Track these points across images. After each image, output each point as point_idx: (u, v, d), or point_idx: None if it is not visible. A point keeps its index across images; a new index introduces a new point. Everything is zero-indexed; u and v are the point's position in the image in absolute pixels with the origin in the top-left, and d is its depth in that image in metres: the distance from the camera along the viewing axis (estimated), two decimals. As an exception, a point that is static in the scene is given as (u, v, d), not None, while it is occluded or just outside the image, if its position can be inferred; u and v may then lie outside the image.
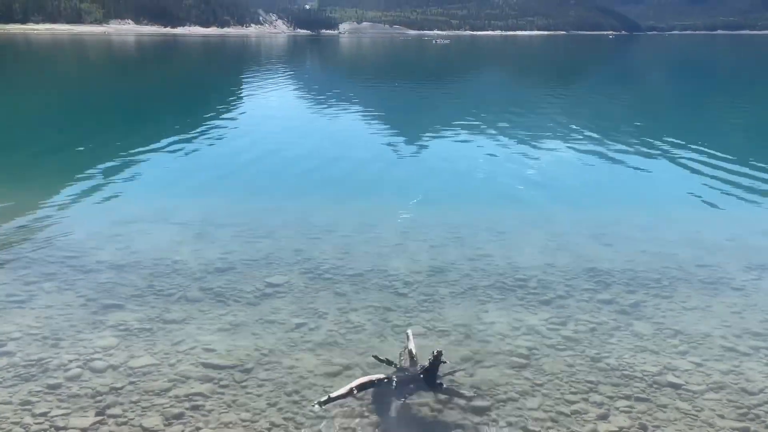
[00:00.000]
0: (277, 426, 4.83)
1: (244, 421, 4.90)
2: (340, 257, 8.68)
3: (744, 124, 21.47)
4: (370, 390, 5.10)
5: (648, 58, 78.10)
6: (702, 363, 5.83)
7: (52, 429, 4.72)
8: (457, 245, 9.28)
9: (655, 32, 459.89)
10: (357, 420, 4.89)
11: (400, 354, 5.68)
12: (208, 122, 20.39)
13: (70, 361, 5.72)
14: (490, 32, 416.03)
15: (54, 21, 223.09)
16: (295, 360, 5.84)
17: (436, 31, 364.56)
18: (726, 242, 9.32)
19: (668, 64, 63.87)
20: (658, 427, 4.83)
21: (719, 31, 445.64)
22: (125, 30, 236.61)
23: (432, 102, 27.82)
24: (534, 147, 16.41)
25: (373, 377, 5.16)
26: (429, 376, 5.22)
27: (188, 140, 17.00)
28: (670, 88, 38.28)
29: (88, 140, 17.55)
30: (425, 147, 16.72)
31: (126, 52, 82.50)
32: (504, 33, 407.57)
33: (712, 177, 13.12)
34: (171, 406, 5.06)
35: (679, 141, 16.78)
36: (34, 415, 4.87)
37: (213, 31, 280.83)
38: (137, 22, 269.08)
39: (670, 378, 5.55)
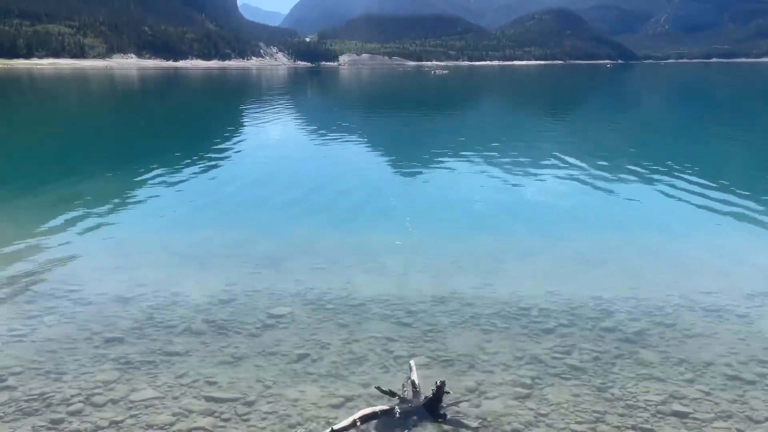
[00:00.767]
0: (281, 460, 4.78)
1: (247, 455, 4.85)
2: (342, 287, 8.68)
3: (742, 151, 21.60)
4: (374, 422, 5.07)
5: (645, 86, 78.96)
6: (708, 391, 5.79)
7: (54, 465, 4.67)
8: (458, 274, 9.28)
9: (651, 61, 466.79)
10: (361, 453, 4.84)
11: (403, 385, 5.65)
12: (210, 153, 20.57)
13: (72, 395, 5.69)
14: (488, 62, 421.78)
15: (57, 56, 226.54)
16: (298, 392, 5.81)
17: (434, 62, 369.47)
18: (728, 269, 9.31)
19: (665, 92, 64.52)
20: (665, 457, 4.78)
21: (714, 60, 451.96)
22: (128, 64, 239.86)
23: (432, 131, 28.05)
24: (534, 175, 16.49)
25: (377, 408, 5.13)
26: (432, 407, 5.19)
27: (190, 171, 17.09)
28: (668, 115, 38.61)
29: (90, 172, 17.67)
30: (426, 176, 16.81)
31: (128, 86, 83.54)
32: (501, 63, 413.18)
33: (712, 204, 13.15)
34: (173, 441, 5.02)
35: (678, 168, 16.87)
36: (35, 451, 4.82)
37: (214, 64, 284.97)
38: (140, 56, 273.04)
39: (676, 407, 5.51)
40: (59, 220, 11.97)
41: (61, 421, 5.26)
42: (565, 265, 9.60)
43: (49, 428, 5.15)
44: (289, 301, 8.16)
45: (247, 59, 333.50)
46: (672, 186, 14.79)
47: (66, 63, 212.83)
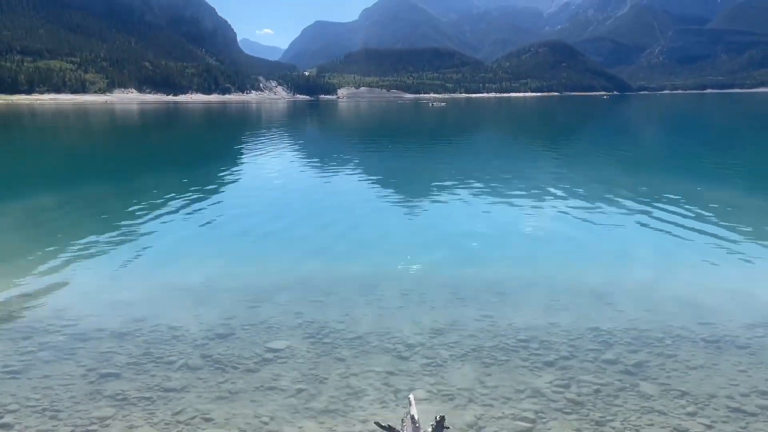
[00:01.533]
0: (278, 498, 4.70)
1: (244, 493, 4.77)
2: (340, 320, 8.64)
3: (738, 181, 21.70)
4: (373, 458, 5.00)
5: (641, 117, 79.81)
6: (710, 424, 5.73)
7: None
8: (458, 306, 9.25)
9: (646, 92, 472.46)
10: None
11: (403, 419, 5.58)
12: (208, 186, 20.66)
13: (68, 433, 5.62)
14: (484, 94, 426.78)
15: (58, 91, 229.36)
16: (297, 428, 5.74)
17: (432, 95, 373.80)
18: (727, 299, 9.28)
19: (660, 123, 65.14)
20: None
21: (709, 90, 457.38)
22: (128, 98, 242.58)
23: (430, 162, 28.23)
24: (532, 206, 16.54)
25: (376, 445, 5.07)
26: (433, 443, 5.12)
27: (188, 204, 17.13)
28: (665, 146, 38.93)
29: (85, 205, 17.70)
30: (424, 207, 16.86)
31: (127, 119, 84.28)
32: (498, 95, 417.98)
33: (710, 234, 13.18)
34: (169, 479, 4.94)
35: (675, 198, 16.94)
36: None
37: (214, 98, 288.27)
38: (140, 90, 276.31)
39: (679, 441, 5.44)
40: (55, 253, 11.95)
41: (55, 459, 5.18)
42: (564, 296, 9.57)
43: (43, 467, 5.07)
44: (286, 334, 8.12)
45: (247, 93, 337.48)
46: (670, 216, 14.83)
47: (67, 98, 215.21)
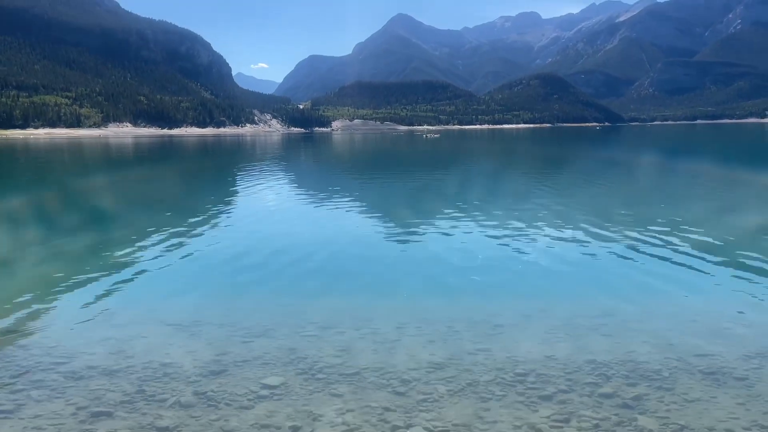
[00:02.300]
0: None
1: None
2: (336, 355, 8.56)
3: (732, 209, 21.84)
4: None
5: (633, 147, 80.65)
6: (711, 459, 5.66)
7: None
8: (454, 339, 9.18)
9: (637, 123, 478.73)
10: None
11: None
12: (199, 220, 20.59)
13: (56, 475, 5.50)
14: (478, 126, 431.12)
15: (53, 126, 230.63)
16: (291, 467, 5.63)
17: (426, 126, 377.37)
18: (723, 330, 9.26)
19: (652, 152, 65.79)
20: None
21: (699, 121, 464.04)
22: (123, 132, 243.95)
23: (424, 193, 28.33)
24: (527, 237, 16.56)
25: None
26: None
27: (179, 239, 17.05)
28: (656, 175, 39.22)
29: (74, 240, 17.58)
30: (419, 239, 16.84)
31: (122, 153, 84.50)
32: (491, 126, 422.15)
33: (705, 263, 13.21)
34: None
35: (669, 228, 17.00)
36: None
37: (209, 131, 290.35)
38: (135, 124, 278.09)
39: (680, 476, 5.36)
40: (45, 290, 11.85)
41: (43, 503, 5.06)
42: (561, 328, 9.53)
43: None
44: (280, 370, 8.03)
45: (242, 126, 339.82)
46: (663, 247, 14.87)
47: (61, 132, 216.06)
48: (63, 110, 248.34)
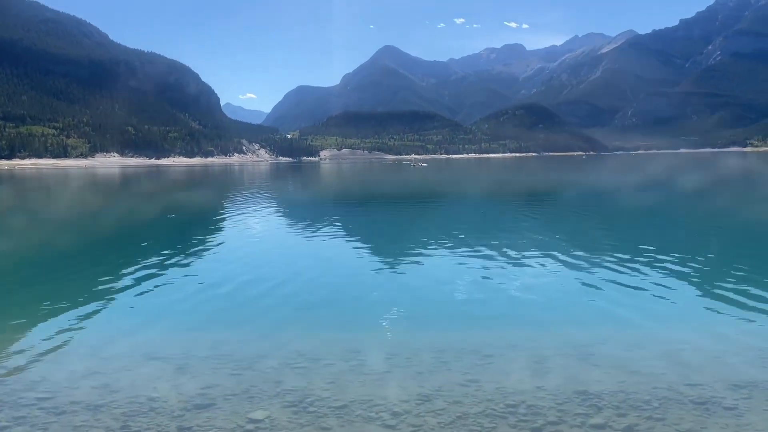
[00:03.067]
0: None
1: None
2: (324, 388, 8.46)
3: (719, 237, 22.06)
4: None
5: (618, 175, 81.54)
6: (703, 491, 5.61)
7: None
8: (443, 371, 9.12)
9: (622, 152, 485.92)
10: None
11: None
12: (185, 250, 20.44)
13: None
14: (464, 155, 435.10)
15: (40, 156, 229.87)
16: (279, 505, 5.52)
17: (413, 156, 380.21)
18: (712, 359, 9.27)
19: (638, 180, 66.60)
20: None
21: (682, 150, 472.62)
22: (110, 162, 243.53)
23: (413, 223, 28.38)
24: (514, 266, 16.59)
25: None
26: None
27: (164, 269, 16.90)
28: (644, 202, 39.62)
29: (58, 273, 17.38)
30: (408, 269, 16.80)
31: (107, 183, 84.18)
32: (478, 156, 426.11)
33: (694, 292, 13.30)
34: None
35: (656, 256, 17.12)
36: None
37: (197, 161, 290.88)
38: (122, 154, 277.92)
39: None
40: (26, 323, 11.67)
41: None
42: (550, 358, 9.50)
43: None
44: (268, 404, 7.91)
45: (230, 156, 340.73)
46: (651, 275, 14.96)
47: (48, 163, 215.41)
48: (50, 140, 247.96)
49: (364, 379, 8.83)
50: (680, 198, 43.42)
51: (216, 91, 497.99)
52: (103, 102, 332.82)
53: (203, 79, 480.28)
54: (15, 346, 10.24)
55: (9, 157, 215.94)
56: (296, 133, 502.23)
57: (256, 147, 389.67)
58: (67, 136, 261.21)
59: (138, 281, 15.38)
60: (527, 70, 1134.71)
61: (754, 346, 9.85)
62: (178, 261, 18.31)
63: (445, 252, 19.00)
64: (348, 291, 14.52)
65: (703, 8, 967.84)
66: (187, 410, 7.68)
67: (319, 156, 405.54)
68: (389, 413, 7.55)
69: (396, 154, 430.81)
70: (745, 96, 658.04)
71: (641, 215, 31.12)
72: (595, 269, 15.86)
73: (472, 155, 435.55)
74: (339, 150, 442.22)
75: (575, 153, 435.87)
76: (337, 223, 27.25)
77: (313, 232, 24.32)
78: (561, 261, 17.15)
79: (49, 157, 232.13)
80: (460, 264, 17.07)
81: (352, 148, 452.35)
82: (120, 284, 15.07)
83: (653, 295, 13.09)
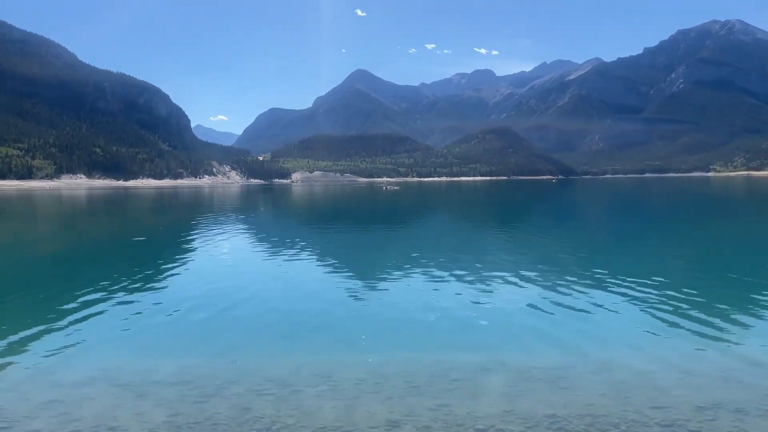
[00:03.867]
0: None
1: None
2: (291, 414, 8.32)
3: (683, 259, 22.48)
4: None
5: (587, 199, 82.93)
6: None
7: None
8: (414, 395, 9.05)
9: (589, 176, 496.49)
10: None
11: None
12: (150, 273, 20.05)
13: None
14: (436, 178, 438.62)
15: (4, 177, 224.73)
16: None
17: (385, 179, 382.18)
18: (678, 382, 9.38)
19: (605, 204, 67.81)
20: None
21: (647, 175, 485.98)
22: (76, 184, 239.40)
23: (385, 245, 28.36)
24: (483, 290, 16.64)
25: None
26: None
27: (128, 293, 16.52)
28: (610, 227, 40.31)
29: (18, 297, 16.85)
30: (377, 293, 16.72)
31: (73, 205, 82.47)
32: (449, 179, 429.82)
33: (659, 315, 13.47)
34: None
35: (623, 280, 17.35)
36: None
37: (166, 182, 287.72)
38: (89, 176, 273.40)
39: None
40: (-10, 350, 11.26)
41: None
42: (520, 382, 9.51)
43: None
44: (235, 431, 7.73)
45: (200, 178, 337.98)
46: (618, 297, 15.16)
47: (11, 184, 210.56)
48: (14, 162, 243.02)
49: (333, 404, 8.71)
50: (649, 220, 44.27)
51: (186, 113, 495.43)
52: (70, 123, 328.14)
53: (173, 100, 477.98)
54: (-30, 375, 9.85)
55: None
56: (268, 155, 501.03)
57: (227, 169, 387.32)
58: (32, 157, 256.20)
59: (101, 305, 14.99)
60: (497, 95, 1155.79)
61: (719, 368, 10.00)
62: (144, 285, 17.94)
63: (416, 275, 18.98)
64: (318, 315, 14.35)
65: (666, 37, 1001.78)
66: (149, 439, 7.46)
67: (290, 178, 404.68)
68: (358, 440, 7.44)
69: (369, 177, 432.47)
70: (707, 123, 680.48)
71: (612, 238, 31.64)
72: (564, 292, 15.99)
73: (444, 178, 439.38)
74: (311, 172, 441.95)
75: (545, 177, 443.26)
76: (307, 247, 27.08)
77: (284, 255, 24.10)
78: (530, 285, 17.27)
79: (12, 179, 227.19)
80: (432, 287, 17.06)
81: (325, 171, 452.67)
82: (82, 309, 14.66)
83: (621, 318, 13.24)
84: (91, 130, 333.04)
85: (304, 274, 19.96)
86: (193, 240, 31.37)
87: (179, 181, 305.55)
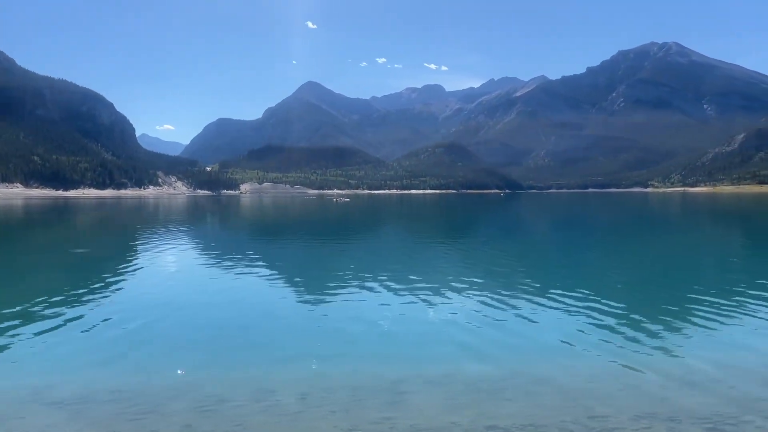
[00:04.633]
0: None
1: None
2: (233, 430, 8.14)
3: (624, 270, 23.19)
4: None
5: (534, 212, 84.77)
6: None
7: None
8: (357, 409, 9.01)
9: (535, 190, 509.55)
10: None
11: None
12: (92, 286, 19.30)
13: None
14: (386, 191, 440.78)
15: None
16: None
17: (336, 191, 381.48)
18: (616, 392, 9.64)
19: (551, 217, 69.48)
20: None
21: (590, 190, 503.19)
22: (12, 194, 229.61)
23: (330, 259, 28.22)
24: (430, 303, 16.73)
25: None
26: None
27: (68, 307, 15.87)
28: (555, 237, 41.28)
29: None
30: (323, 306, 16.59)
31: (7, 216, 78.96)
32: (399, 192, 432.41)
33: (599, 324, 13.84)
34: None
35: (564, 290, 17.76)
36: None
37: (108, 193, 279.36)
38: (27, 185, 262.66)
39: None
40: None
41: None
42: (464, 393, 9.59)
43: None
44: (173, 450, 7.51)
45: (145, 188, 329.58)
46: (558, 308, 15.50)
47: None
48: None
49: (275, 420, 8.58)
50: (589, 234, 45.57)
51: (131, 122, 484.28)
52: (7, 130, 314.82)
53: (118, 108, 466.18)
54: None
55: None
56: (216, 166, 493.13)
57: (173, 179, 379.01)
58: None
59: (34, 320, 14.36)
60: (446, 110, 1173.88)
61: (653, 378, 10.32)
62: (81, 298, 17.28)
63: (361, 288, 18.95)
64: (262, 329, 14.14)
65: (607, 57, 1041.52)
66: (81, 460, 7.16)
67: (239, 189, 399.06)
68: (300, 455, 7.33)
69: (319, 189, 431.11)
70: (645, 140, 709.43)
71: (557, 250, 32.38)
72: (506, 304, 16.26)
73: (394, 191, 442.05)
74: (260, 184, 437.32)
75: (492, 191, 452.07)
76: (254, 260, 26.68)
77: (228, 268, 23.68)
78: (476, 296, 17.47)
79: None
80: (377, 300, 17.06)
81: (274, 182, 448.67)
82: (13, 323, 14.00)
83: (562, 328, 13.53)
84: (29, 138, 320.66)
85: (249, 288, 19.63)
86: (137, 252, 30.47)
87: (123, 192, 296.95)
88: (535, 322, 14.28)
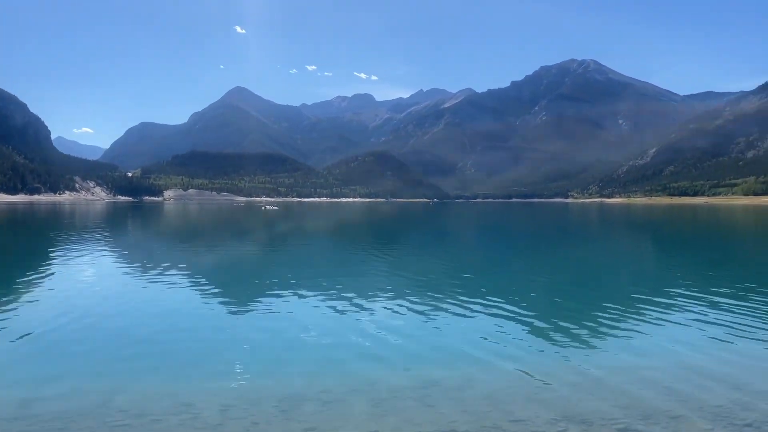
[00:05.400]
0: None
1: None
2: (149, 446, 7.81)
3: (548, 277, 23.94)
4: None
5: (461, 221, 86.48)
6: None
7: None
8: (281, 420, 8.85)
9: (462, 200, 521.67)
10: None
11: None
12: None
13: None
14: (316, 199, 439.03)
15: None
16: None
17: (264, 198, 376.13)
18: (534, 396, 9.92)
19: (478, 226, 71.08)
20: None
21: (514, 200, 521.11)
22: None
23: (258, 267, 27.73)
24: (356, 310, 16.71)
25: None
26: None
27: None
28: (482, 246, 42.20)
29: None
30: (250, 315, 16.25)
31: None
32: (329, 200, 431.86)
33: (525, 330, 14.23)
34: None
35: (488, 300, 18.17)
36: None
37: (20, 198, 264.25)
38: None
39: None
40: None
41: None
42: (388, 401, 9.61)
43: None
44: (82, 469, 7.12)
45: (60, 194, 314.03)
46: (485, 315, 15.84)
47: None
48: None
49: (194, 433, 8.29)
50: (515, 241, 46.93)
51: (46, 124, 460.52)
52: None
53: (31, 109, 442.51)
54: None
55: None
56: (137, 171, 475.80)
57: (91, 184, 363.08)
58: None
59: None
60: (376, 120, 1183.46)
61: (574, 381, 10.70)
62: (-14, 310, 16.17)
63: (291, 297, 18.71)
64: (183, 339, 13.65)
65: (530, 72, 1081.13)
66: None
67: (163, 196, 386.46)
68: (219, 470, 7.12)
69: (247, 196, 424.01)
70: (566, 153, 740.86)
71: (483, 257, 33.09)
72: (433, 310, 16.47)
73: (324, 199, 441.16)
74: (185, 190, 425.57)
75: (421, 200, 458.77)
76: (176, 268, 25.81)
77: (147, 277, 22.82)
78: (402, 304, 17.60)
79: None
80: (306, 308, 16.90)
81: (200, 189, 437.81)
82: None
83: (486, 335, 13.81)
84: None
85: (170, 297, 18.94)
86: (49, 261, 28.85)
87: (36, 197, 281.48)
88: (458, 328, 14.54)
